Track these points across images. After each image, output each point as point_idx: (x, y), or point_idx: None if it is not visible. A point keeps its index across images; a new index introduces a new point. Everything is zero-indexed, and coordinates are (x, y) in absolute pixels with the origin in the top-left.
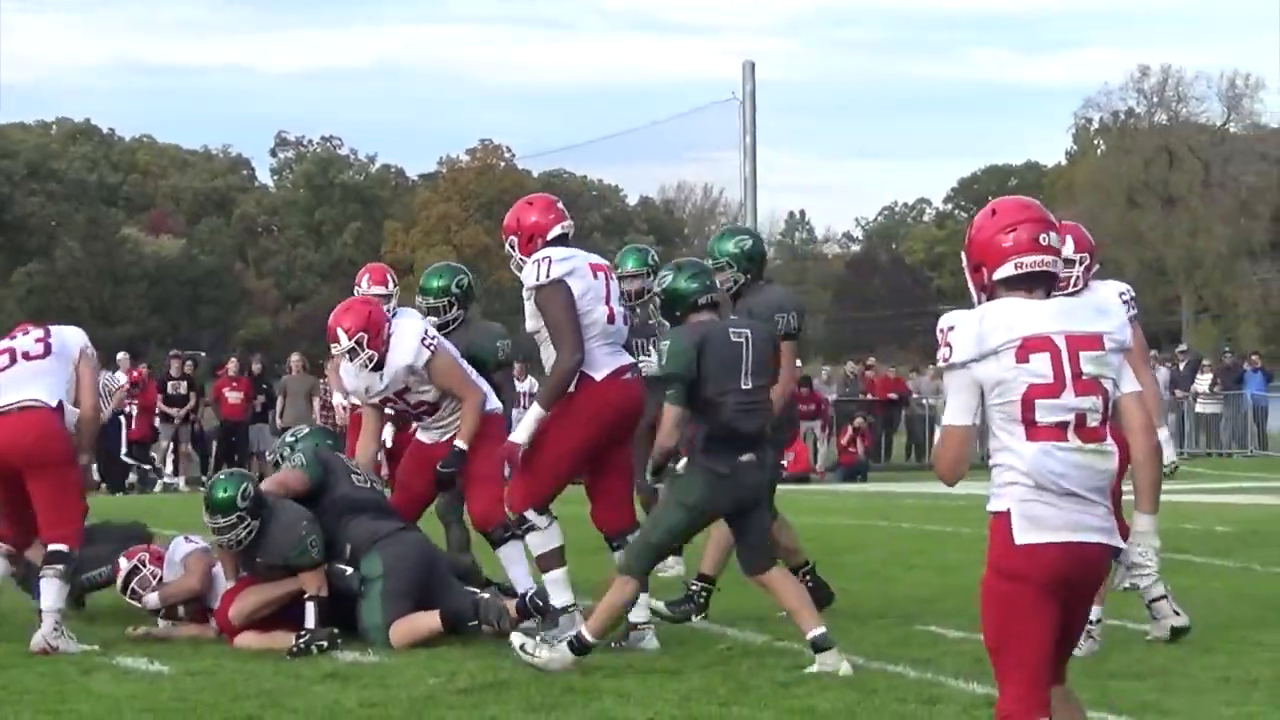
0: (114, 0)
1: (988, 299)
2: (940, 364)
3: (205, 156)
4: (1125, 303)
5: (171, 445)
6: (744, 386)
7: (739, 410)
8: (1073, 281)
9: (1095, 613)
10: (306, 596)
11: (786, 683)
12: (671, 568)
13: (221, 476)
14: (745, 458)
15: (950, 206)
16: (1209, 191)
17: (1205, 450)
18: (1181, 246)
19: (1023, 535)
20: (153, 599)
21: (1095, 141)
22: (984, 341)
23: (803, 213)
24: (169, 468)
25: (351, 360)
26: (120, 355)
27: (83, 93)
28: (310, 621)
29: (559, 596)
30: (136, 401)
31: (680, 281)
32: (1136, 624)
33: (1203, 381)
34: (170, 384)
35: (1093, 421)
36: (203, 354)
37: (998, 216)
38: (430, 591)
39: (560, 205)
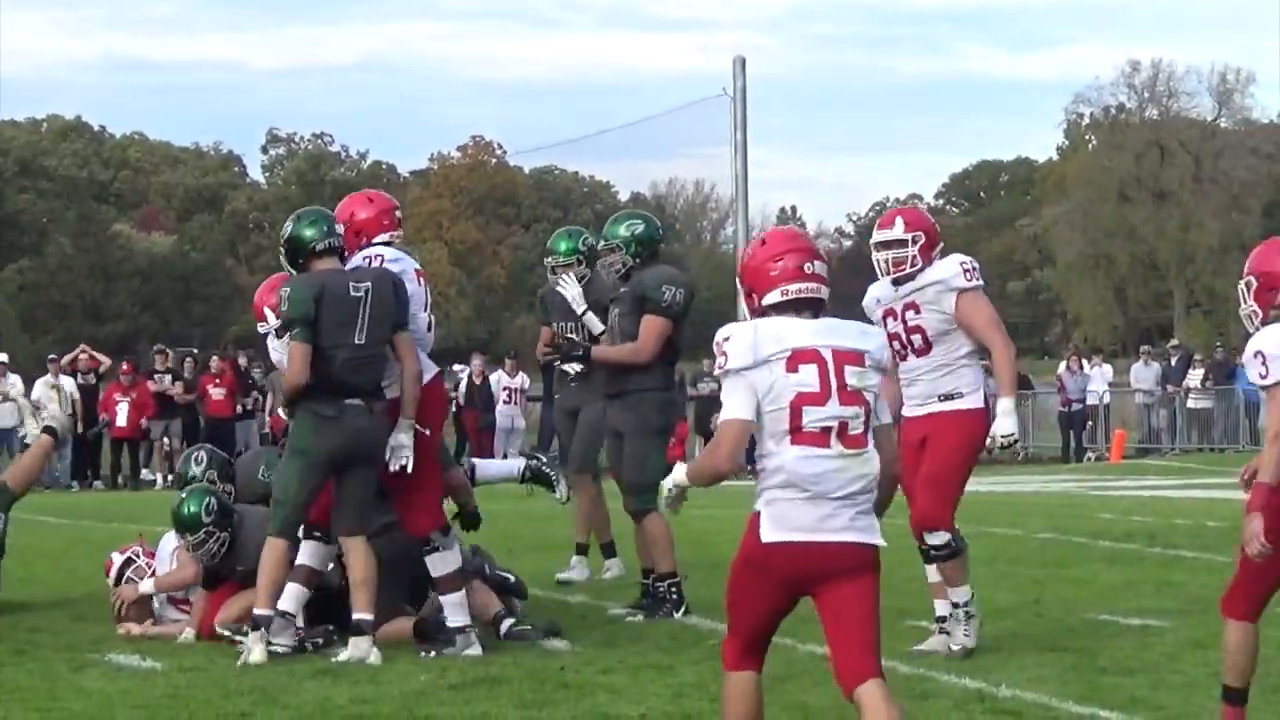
0: None
1: None
2: (717, 371)
3: (196, 153)
4: (967, 270)
5: (163, 442)
6: (357, 342)
7: (348, 365)
8: (910, 261)
9: (963, 595)
10: None
11: (779, 678)
12: (610, 569)
13: (184, 494)
14: (351, 401)
15: (942, 202)
16: (1200, 186)
17: (1197, 446)
18: (1173, 240)
19: (768, 534)
20: (147, 584)
21: (1087, 137)
22: (758, 350)
23: (794, 208)
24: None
25: (279, 338)
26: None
27: (73, 89)
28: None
29: (456, 617)
30: (128, 399)
31: (302, 229)
32: (1127, 619)
33: (1194, 377)
34: (154, 378)
35: (855, 429)
36: (195, 350)
37: (767, 246)
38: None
39: (398, 214)
